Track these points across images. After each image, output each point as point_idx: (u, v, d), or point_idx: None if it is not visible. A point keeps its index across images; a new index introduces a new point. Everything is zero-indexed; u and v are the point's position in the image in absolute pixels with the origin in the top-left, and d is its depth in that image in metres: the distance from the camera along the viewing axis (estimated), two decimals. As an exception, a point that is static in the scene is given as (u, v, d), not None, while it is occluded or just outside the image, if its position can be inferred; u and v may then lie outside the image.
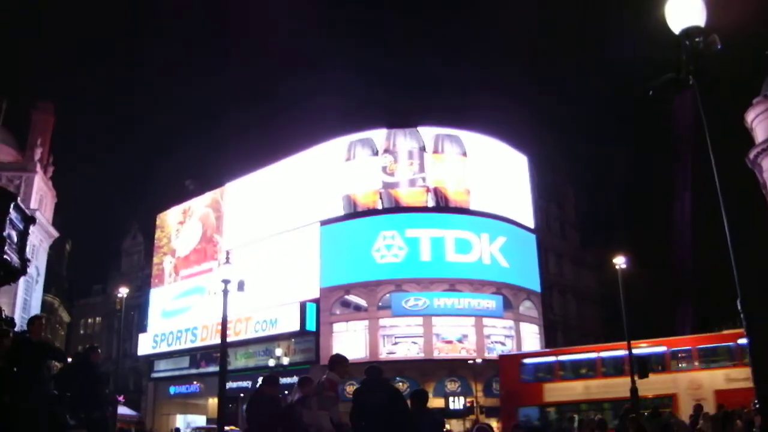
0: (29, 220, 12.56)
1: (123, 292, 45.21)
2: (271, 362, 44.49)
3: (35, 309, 70.47)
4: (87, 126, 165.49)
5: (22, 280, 65.16)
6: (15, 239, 11.89)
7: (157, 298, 63.62)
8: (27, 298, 67.95)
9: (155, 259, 67.01)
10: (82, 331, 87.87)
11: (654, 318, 56.97)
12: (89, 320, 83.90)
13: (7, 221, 11.33)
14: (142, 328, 64.33)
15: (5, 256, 11.25)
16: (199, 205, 63.30)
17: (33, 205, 67.21)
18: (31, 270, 68.63)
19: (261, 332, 49.81)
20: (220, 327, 51.03)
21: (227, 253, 27.10)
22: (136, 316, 70.58)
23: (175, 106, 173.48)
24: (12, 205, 11.55)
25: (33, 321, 11.50)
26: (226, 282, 22.88)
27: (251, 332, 50.27)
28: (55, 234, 74.59)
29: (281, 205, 53.83)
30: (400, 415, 9.71)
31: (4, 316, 11.77)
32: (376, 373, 10.34)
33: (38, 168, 68.93)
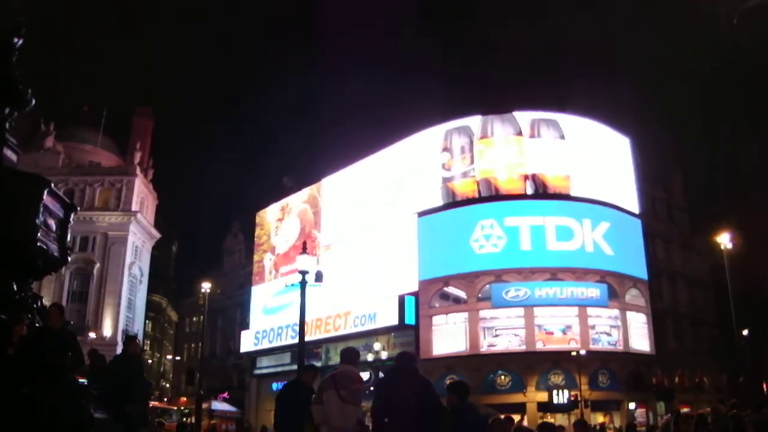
0: (70, 208, 12.05)
1: (206, 287, 45.64)
2: (370, 357, 43.70)
3: (140, 309, 72.11)
4: (187, 129, 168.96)
5: (125, 280, 67.22)
6: (53, 227, 11.49)
7: (258, 295, 63.67)
8: (132, 298, 69.49)
9: (255, 257, 67.18)
10: (187, 330, 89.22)
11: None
12: (194, 319, 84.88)
13: (41, 208, 10.86)
14: (245, 326, 64.57)
15: (40, 245, 10.78)
16: (297, 201, 63.20)
17: (134, 207, 68.82)
18: (134, 271, 70.44)
19: (360, 327, 49.15)
20: (319, 323, 52.03)
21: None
22: (238, 313, 71.12)
23: (271, 105, 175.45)
24: (46, 192, 11.07)
25: (50, 309, 10.87)
26: (303, 273, 21.87)
27: (350, 327, 49.72)
28: (157, 235, 76.21)
29: (378, 197, 53.11)
30: (432, 412, 8.43)
31: (39, 305, 11.30)
32: (407, 362, 9.14)
33: (138, 171, 70.44)
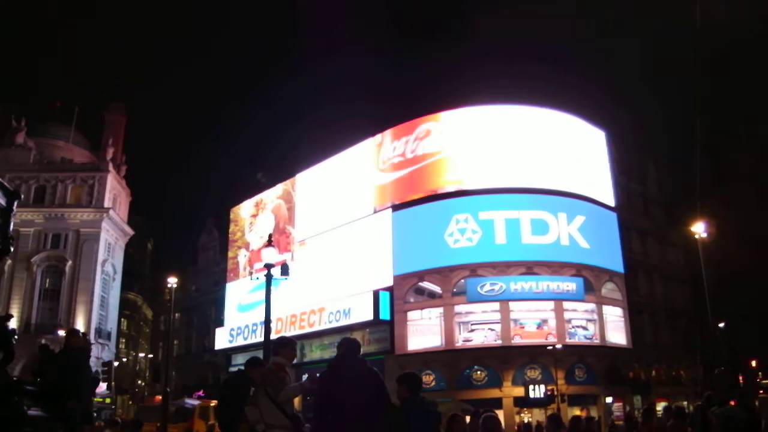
0: (13, 195, 11.54)
1: (172, 281, 45.15)
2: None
3: (113, 307, 71.43)
4: (160, 125, 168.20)
5: (98, 278, 66.46)
6: None
7: (233, 292, 63.18)
8: (105, 295, 68.77)
9: (230, 254, 66.72)
10: (162, 327, 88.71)
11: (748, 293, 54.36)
12: (169, 316, 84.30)
13: None
14: (220, 323, 64.10)
15: None
16: (271, 196, 62.75)
17: (107, 204, 68.16)
18: (107, 268, 69.66)
19: (335, 323, 48.61)
20: (294, 319, 51.66)
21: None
22: (213, 310, 70.75)
23: (246, 101, 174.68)
24: None
25: None
26: (269, 266, 21.42)
27: (325, 323, 49.27)
28: (131, 232, 75.57)
29: (352, 192, 52.77)
30: (379, 406, 7.84)
31: None
32: (350, 350, 8.46)
33: (111, 167, 69.77)
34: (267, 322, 22.36)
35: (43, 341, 27.95)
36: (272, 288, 51.20)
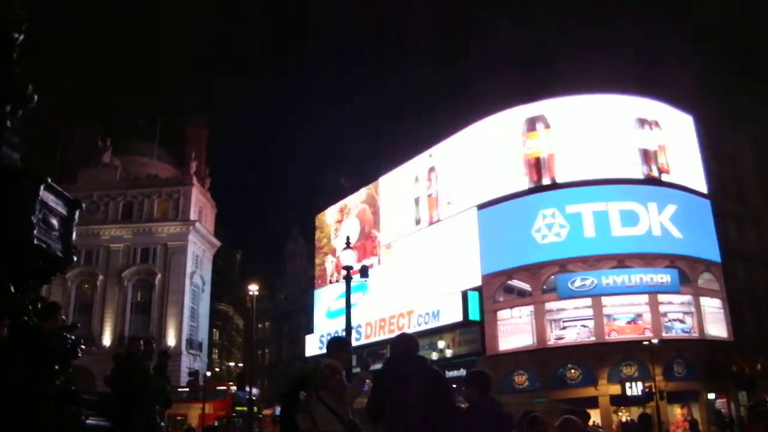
0: (74, 204, 11.33)
1: (253, 288, 45.19)
2: (435, 355, 42.71)
3: (203, 317, 72.24)
4: (243, 136, 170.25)
5: (187, 289, 67.26)
6: (55, 225, 10.79)
7: (321, 298, 63.14)
8: (195, 307, 69.66)
9: (317, 260, 66.89)
10: (254, 336, 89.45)
11: None
12: (259, 325, 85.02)
13: (38, 205, 10.16)
14: (309, 330, 64.10)
15: (39, 243, 10.07)
16: (355, 201, 62.59)
17: (192, 216, 69.05)
18: (196, 280, 70.51)
19: (424, 325, 47.95)
20: (383, 323, 51.21)
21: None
22: (303, 317, 70.89)
23: (326, 107, 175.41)
24: (43, 187, 10.38)
25: (43, 309, 10.21)
26: (347, 269, 20.85)
27: (414, 326, 48.56)
28: (217, 243, 76.47)
29: (436, 192, 52.16)
30: (442, 408, 6.96)
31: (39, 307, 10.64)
32: (407, 347, 7.61)
33: (195, 181, 70.79)
34: (348, 326, 21.78)
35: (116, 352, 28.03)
36: (360, 293, 51.79)
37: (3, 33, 11.77)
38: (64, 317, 11.56)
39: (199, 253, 71.97)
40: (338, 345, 8.44)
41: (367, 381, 8.08)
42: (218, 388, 46.40)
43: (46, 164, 70.71)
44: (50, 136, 71.06)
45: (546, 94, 48.74)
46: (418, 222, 53.51)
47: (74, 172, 70.68)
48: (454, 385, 15.00)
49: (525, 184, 47.02)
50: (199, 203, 72.44)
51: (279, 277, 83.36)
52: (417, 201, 54.12)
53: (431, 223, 52.07)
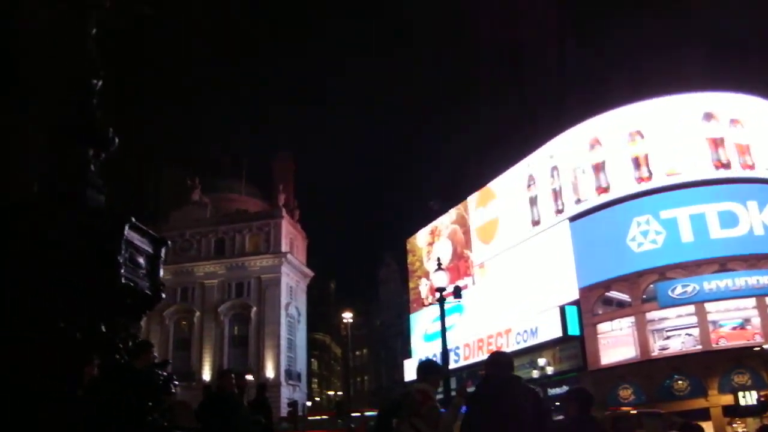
0: (160, 242, 11.42)
1: (347, 317, 44.86)
2: (536, 373, 41.97)
3: (301, 348, 72.71)
4: (330, 167, 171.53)
5: (283, 321, 67.80)
6: (142, 264, 10.93)
7: (417, 322, 62.78)
8: (291, 338, 70.28)
9: (410, 284, 66.64)
10: (352, 364, 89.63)
11: None
12: (356, 353, 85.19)
13: (123, 244, 10.30)
14: (407, 354, 63.82)
15: (126, 282, 10.19)
16: (446, 222, 62.30)
17: (284, 248, 69.89)
18: (291, 311, 71.12)
19: (522, 344, 47.13)
20: (481, 344, 50.59)
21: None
22: (399, 343, 70.76)
23: (409, 130, 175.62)
24: (128, 227, 10.52)
25: (134, 348, 10.23)
26: (440, 290, 20.51)
27: (513, 345, 47.75)
28: (310, 273, 77.10)
29: (525, 206, 51.44)
30: (538, 428, 6.57)
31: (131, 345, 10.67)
32: (501, 367, 7.27)
33: (284, 213, 71.68)
34: (444, 348, 21.40)
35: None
36: (457, 314, 51.34)
37: (82, 80, 12.17)
38: (156, 354, 11.66)
39: (292, 284, 72.65)
40: (429, 369, 8.13)
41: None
42: (309, 418, 46.23)
43: (138, 206, 72.84)
44: (140, 179, 73.05)
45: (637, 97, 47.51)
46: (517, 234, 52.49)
47: (166, 212, 72.63)
48: (557, 403, 14.49)
49: (619, 191, 45.83)
50: (290, 235, 73.28)
51: (373, 304, 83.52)
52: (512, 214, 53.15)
53: (535, 225, 50.95)
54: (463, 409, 7.68)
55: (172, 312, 69.67)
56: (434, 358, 50.08)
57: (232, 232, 71.42)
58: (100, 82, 12.38)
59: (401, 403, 8.66)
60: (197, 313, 68.87)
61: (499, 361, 7.46)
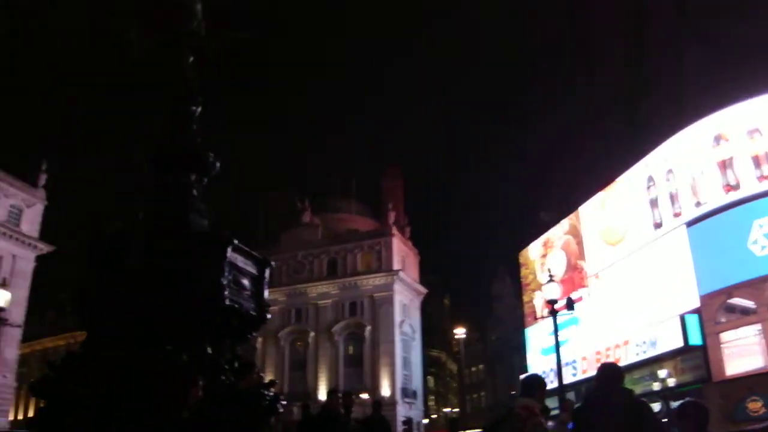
0: (263, 263, 11.59)
1: (460, 333, 44.50)
2: (656, 386, 40.72)
3: (416, 366, 72.57)
4: (437, 179, 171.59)
5: (397, 339, 67.84)
6: (246, 285, 11.12)
7: (533, 336, 62.01)
8: (406, 356, 70.32)
9: (525, 298, 65.92)
10: (467, 380, 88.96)
11: None
12: (472, 369, 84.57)
13: (226, 266, 10.51)
14: (524, 370, 62.91)
15: (231, 304, 10.44)
16: (558, 233, 61.31)
17: (395, 266, 70.03)
18: (405, 329, 71.16)
19: (642, 355, 45.74)
20: (599, 356, 49.40)
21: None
22: (516, 358, 69.92)
23: (518, 142, 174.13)
24: (230, 249, 10.64)
25: (239, 369, 10.27)
26: (552, 303, 20.07)
27: (631, 357, 46.45)
28: (423, 291, 77.02)
29: (640, 212, 49.92)
30: None
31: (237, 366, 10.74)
32: (611, 379, 6.95)
33: (394, 231, 71.95)
34: (558, 362, 20.94)
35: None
36: (573, 326, 50.36)
37: (182, 107, 12.48)
38: (262, 374, 11.77)
39: (406, 301, 72.73)
40: (532, 384, 7.83)
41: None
42: None
43: (250, 229, 74.60)
44: (251, 203, 74.61)
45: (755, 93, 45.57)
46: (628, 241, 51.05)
47: (276, 235, 74.09)
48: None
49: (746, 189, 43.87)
50: (401, 252, 73.46)
51: (488, 319, 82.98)
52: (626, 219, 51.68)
53: (657, 228, 49.26)
54: (570, 425, 7.39)
55: (287, 333, 70.85)
56: (542, 374, 49.37)
57: (343, 252, 72.32)
58: (199, 108, 12.75)
59: (505, 420, 8.39)
60: (312, 334, 69.83)
61: (608, 373, 7.16)
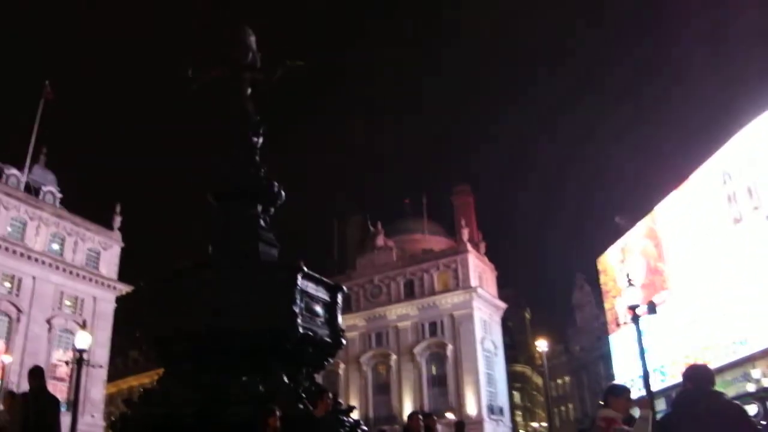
0: (335, 289, 11.81)
1: (542, 345, 43.96)
2: (750, 387, 39.52)
3: (501, 382, 71.98)
4: (509, 195, 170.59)
5: (480, 356, 67.38)
6: (319, 312, 11.30)
7: (617, 343, 60.63)
8: (490, 372, 69.85)
9: (606, 305, 64.69)
10: (554, 393, 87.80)
11: None
12: (558, 381, 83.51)
13: (298, 294, 10.67)
14: (610, 378, 61.78)
15: (305, 331, 10.65)
16: (635, 237, 59.95)
17: (473, 283, 69.81)
18: (487, 345, 70.68)
19: (732, 355, 44.31)
20: (687, 359, 48.18)
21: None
22: (601, 367, 68.84)
23: (586, 146, 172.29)
24: (300, 276, 10.89)
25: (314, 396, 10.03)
26: (633, 308, 19.70)
27: (721, 358, 45.02)
28: (503, 306, 76.49)
29: (717, 209, 48.46)
30: None
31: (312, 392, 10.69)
32: (702, 381, 6.57)
33: (469, 248, 71.74)
34: (644, 368, 20.55)
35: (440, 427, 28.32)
36: (658, 331, 49.17)
37: (244, 139, 12.71)
38: (340, 401, 11.80)
39: (486, 318, 72.30)
40: (615, 392, 7.52)
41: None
42: None
43: (326, 257, 75.29)
44: (327, 231, 75.36)
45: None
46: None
47: (352, 260, 74.69)
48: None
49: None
50: (478, 269, 73.16)
51: (571, 329, 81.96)
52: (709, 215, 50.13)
53: (735, 222, 47.45)
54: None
55: (368, 357, 71.03)
56: (630, 382, 48.05)
57: (419, 273, 72.36)
58: (261, 139, 13.00)
59: None
60: (393, 357, 69.86)
61: (696, 376, 6.84)
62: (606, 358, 65.25)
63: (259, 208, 12.23)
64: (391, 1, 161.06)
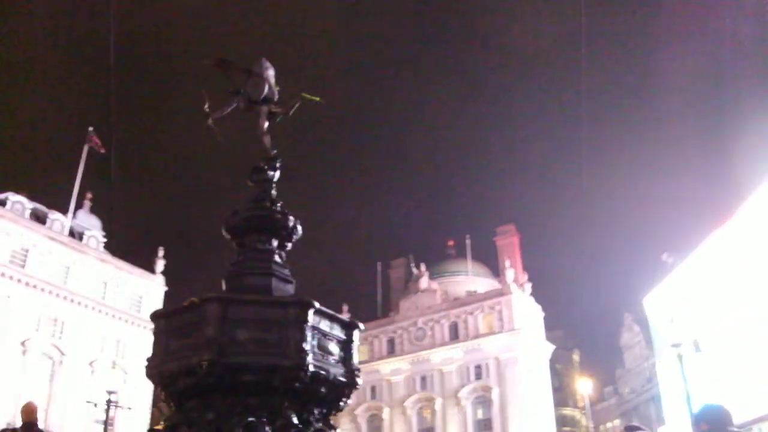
0: (350, 326, 11.35)
1: (584, 386, 43.13)
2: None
3: (548, 426, 70.72)
4: (554, 236, 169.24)
5: (527, 398, 66.24)
6: (333, 350, 10.96)
7: (668, 385, 59.24)
8: (536, 416, 68.50)
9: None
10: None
11: None
12: (608, 425, 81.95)
13: (309, 331, 10.32)
14: (661, 421, 60.63)
15: (317, 370, 10.22)
16: (683, 274, 58.68)
17: (517, 325, 69.41)
18: (534, 388, 69.34)
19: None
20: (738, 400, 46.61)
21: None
22: (651, 409, 67.57)
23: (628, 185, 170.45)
24: (312, 313, 10.44)
25: None
26: (676, 345, 19.10)
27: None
28: (550, 347, 75.35)
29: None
30: None
31: None
32: (720, 422, 6.01)
33: (513, 289, 71.57)
34: (690, 411, 19.79)
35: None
36: (707, 368, 47.72)
37: (259, 173, 12.47)
38: None
39: (532, 360, 71.40)
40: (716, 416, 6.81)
41: None
42: None
43: (369, 299, 75.37)
44: (369, 274, 75.42)
45: None
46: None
47: (396, 303, 74.60)
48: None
49: None
50: (523, 310, 72.48)
51: (619, 370, 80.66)
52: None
53: None
54: None
55: (413, 401, 70.55)
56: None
57: (464, 315, 71.90)
58: (277, 173, 12.73)
59: None
60: (438, 400, 69.23)
61: (712, 415, 6.32)
62: (656, 399, 64.17)
63: (275, 243, 11.93)
64: (444, 34, 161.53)
